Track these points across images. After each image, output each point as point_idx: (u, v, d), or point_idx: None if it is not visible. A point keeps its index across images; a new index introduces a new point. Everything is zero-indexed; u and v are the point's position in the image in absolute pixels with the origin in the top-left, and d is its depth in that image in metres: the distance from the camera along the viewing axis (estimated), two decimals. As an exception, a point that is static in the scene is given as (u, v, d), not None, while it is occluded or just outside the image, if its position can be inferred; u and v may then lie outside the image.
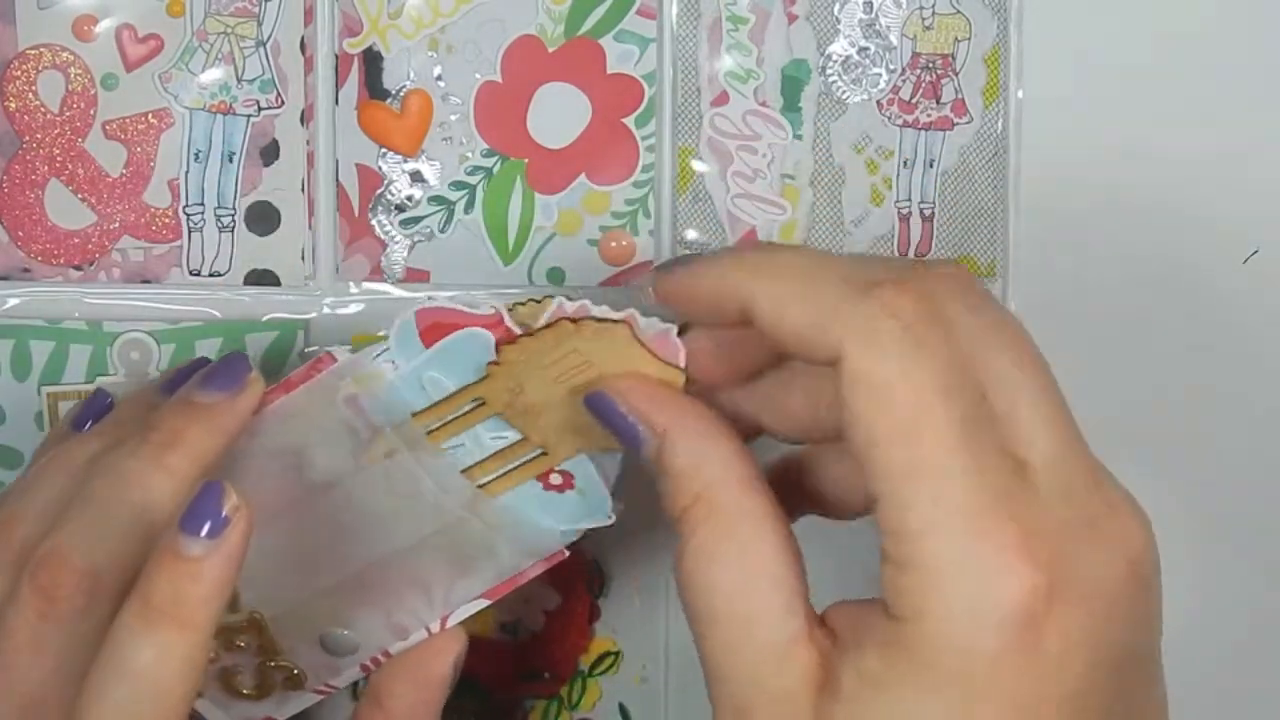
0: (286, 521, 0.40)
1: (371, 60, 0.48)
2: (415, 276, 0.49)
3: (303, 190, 0.48)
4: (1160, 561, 0.34)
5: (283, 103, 0.47)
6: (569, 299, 0.37)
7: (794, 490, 0.39)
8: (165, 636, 0.34)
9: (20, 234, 0.47)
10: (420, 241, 0.48)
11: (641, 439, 0.36)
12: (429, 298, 0.48)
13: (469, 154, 0.48)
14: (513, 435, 0.39)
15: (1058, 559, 0.32)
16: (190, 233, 0.47)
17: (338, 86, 0.48)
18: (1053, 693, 0.31)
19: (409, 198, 0.48)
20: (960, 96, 0.50)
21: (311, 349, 0.48)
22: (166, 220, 0.47)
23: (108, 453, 0.38)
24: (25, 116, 0.47)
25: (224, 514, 0.35)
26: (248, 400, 0.39)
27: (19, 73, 0.46)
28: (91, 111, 0.47)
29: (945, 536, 0.31)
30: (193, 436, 0.38)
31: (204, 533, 0.34)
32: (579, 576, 0.49)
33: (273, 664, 0.41)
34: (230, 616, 0.40)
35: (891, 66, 0.50)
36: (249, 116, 0.47)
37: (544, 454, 0.39)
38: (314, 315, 0.48)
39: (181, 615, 0.34)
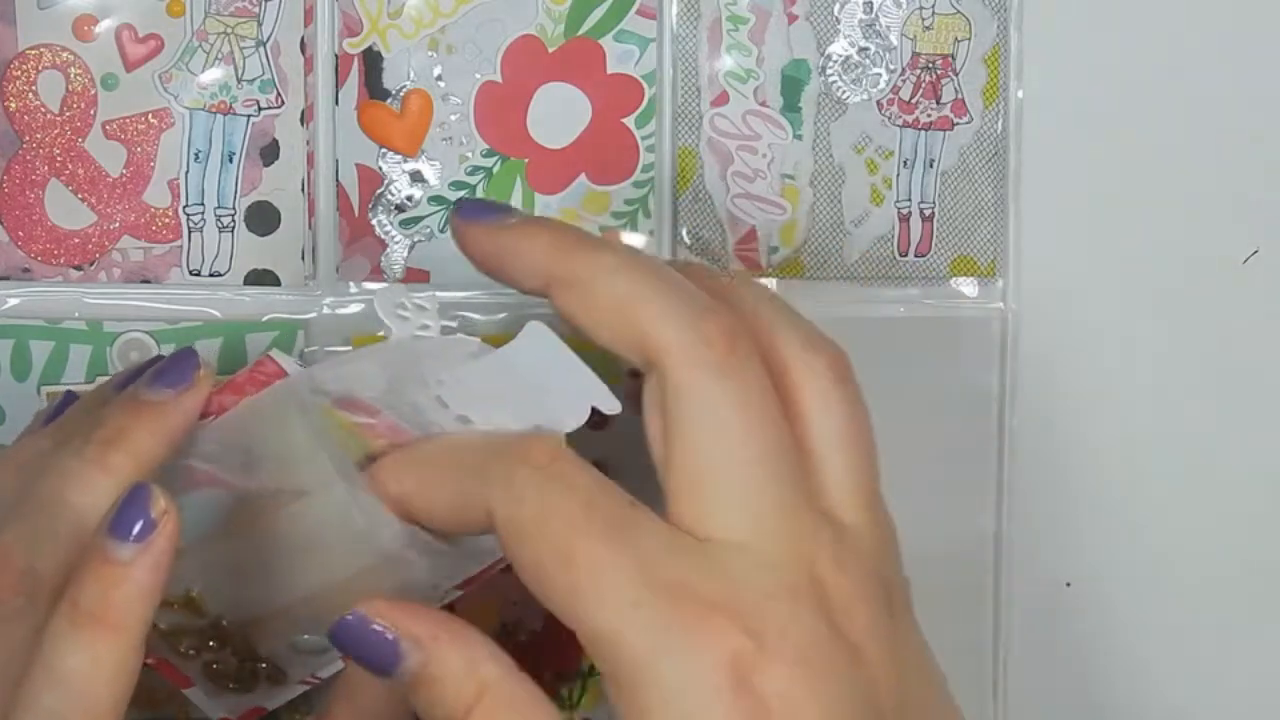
0: (239, 533, 0.39)
1: (371, 60, 0.48)
2: (415, 277, 0.49)
3: (303, 190, 0.48)
4: (900, 596, 0.35)
5: (283, 103, 0.47)
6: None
7: None
8: (94, 640, 0.33)
9: (20, 234, 0.47)
10: (420, 241, 0.48)
11: (403, 654, 0.35)
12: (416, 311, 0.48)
13: (469, 154, 0.48)
14: None
15: (754, 619, 0.32)
16: (190, 233, 0.47)
17: (338, 86, 0.48)
18: None
19: (409, 198, 0.48)
20: (960, 96, 0.50)
21: (311, 349, 0.48)
22: (166, 220, 0.47)
23: (55, 451, 0.38)
24: (25, 116, 0.47)
25: (151, 517, 0.34)
26: (193, 398, 0.38)
27: (19, 73, 0.46)
28: (91, 111, 0.47)
29: (633, 636, 0.32)
30: (136, 435, 0.37)
31: (132, 536, 0.34)
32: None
33: (250, 663, 0.40)
34: (195, 620, 0.40)
35: (891, 66, 0.50)
36: (249, 116, 0.47)
37: None
38: (314, 315, 0.48)
39: (110, 619, 0.33)
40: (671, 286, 0.36)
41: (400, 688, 0.36)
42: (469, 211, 0.39)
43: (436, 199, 0.48)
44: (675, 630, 0.32)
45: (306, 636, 0.40)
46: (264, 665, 0.41)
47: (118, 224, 0.47)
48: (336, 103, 0.48)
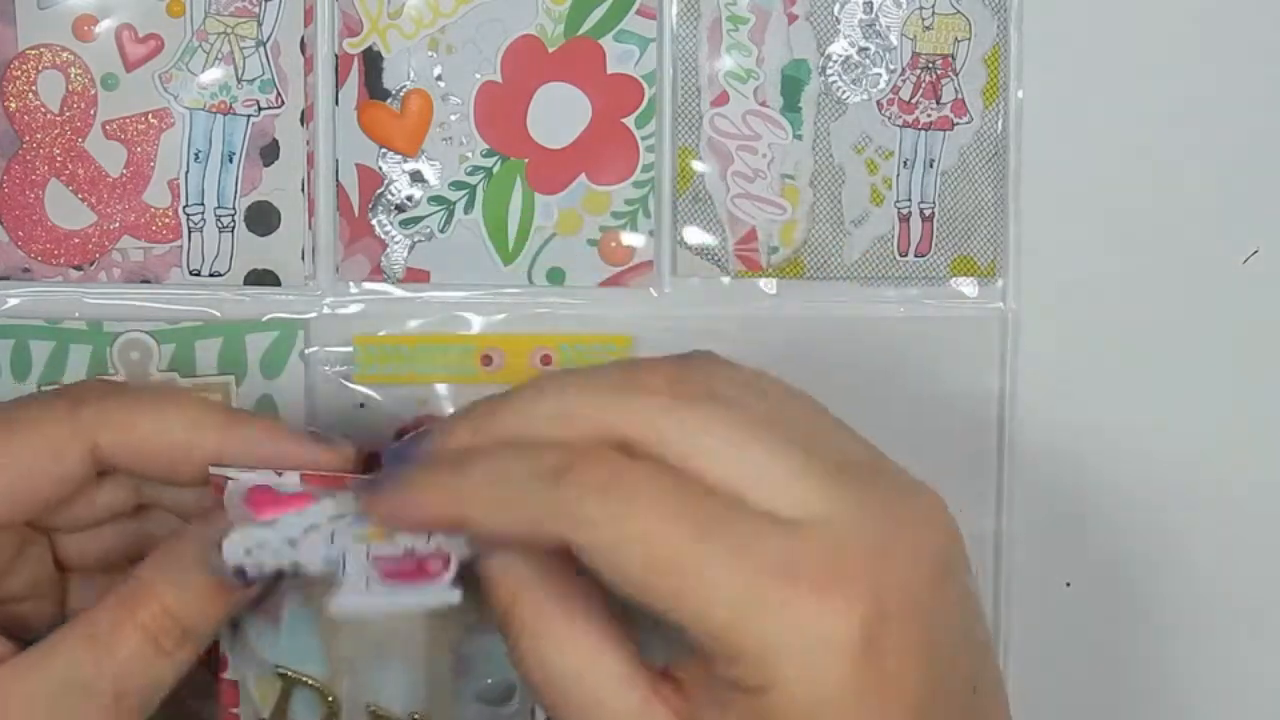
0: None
1: (371, 60, 0.48)
2: (415, 277, 0.49)
3: (303, 190, 0.48)
4: (960, 539, 0.35)
5: (283, 103, 0.47)
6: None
7: None
8: None
9: (20, 234, 0.47)
10: (420, 241, 0.48)
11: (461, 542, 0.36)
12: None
13: (469, 154, 0.48)
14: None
15: (870, 585, 0.33)
16: (190, 233, 0.47)
17: (338, 86, 0.48)
18: (903, 706, 0.33)
19: (409, 198, 0.48)
20: (960, 96, 0.50)
21: (311, 349, 0.48)
22: (166, 220, 0.47)
23: None
24: (25, 116, 0.47)
25: None
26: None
27: (19, 73, 0.46)
28: (91, 111, 0.47)
29: (755, 615, 0.32)
30: None
31: None
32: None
33: None
34: None
35: (891, 66, 0.50)
36: (249, 116, 0.47)
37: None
38: (314, 315, 0.48)
39: None
40: (589, 380, 0.36)
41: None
42: (372, 485, 0.38)
43: (436, 199, 0.48)
44: (795, 608, 0.32)
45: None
46: None
47: (118, 224, 0.47)
48: (336, 103, 0.48)
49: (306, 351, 0.48)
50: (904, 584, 0.33)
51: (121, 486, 0.40)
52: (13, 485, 0.37)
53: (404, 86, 0.48)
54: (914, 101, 0.50)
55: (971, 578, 0.36)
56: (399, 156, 0.48)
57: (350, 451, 0.39)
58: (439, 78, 0.48)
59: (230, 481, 0.37)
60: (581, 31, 0.48)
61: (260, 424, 0.39)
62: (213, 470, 0.37)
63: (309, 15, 0.48)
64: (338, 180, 0.48)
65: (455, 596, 0.38)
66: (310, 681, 0.40)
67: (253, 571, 0.37)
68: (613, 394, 0.35)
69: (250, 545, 0.37)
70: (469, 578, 0.38)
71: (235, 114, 0.47)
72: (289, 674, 0.40)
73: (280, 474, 0.37)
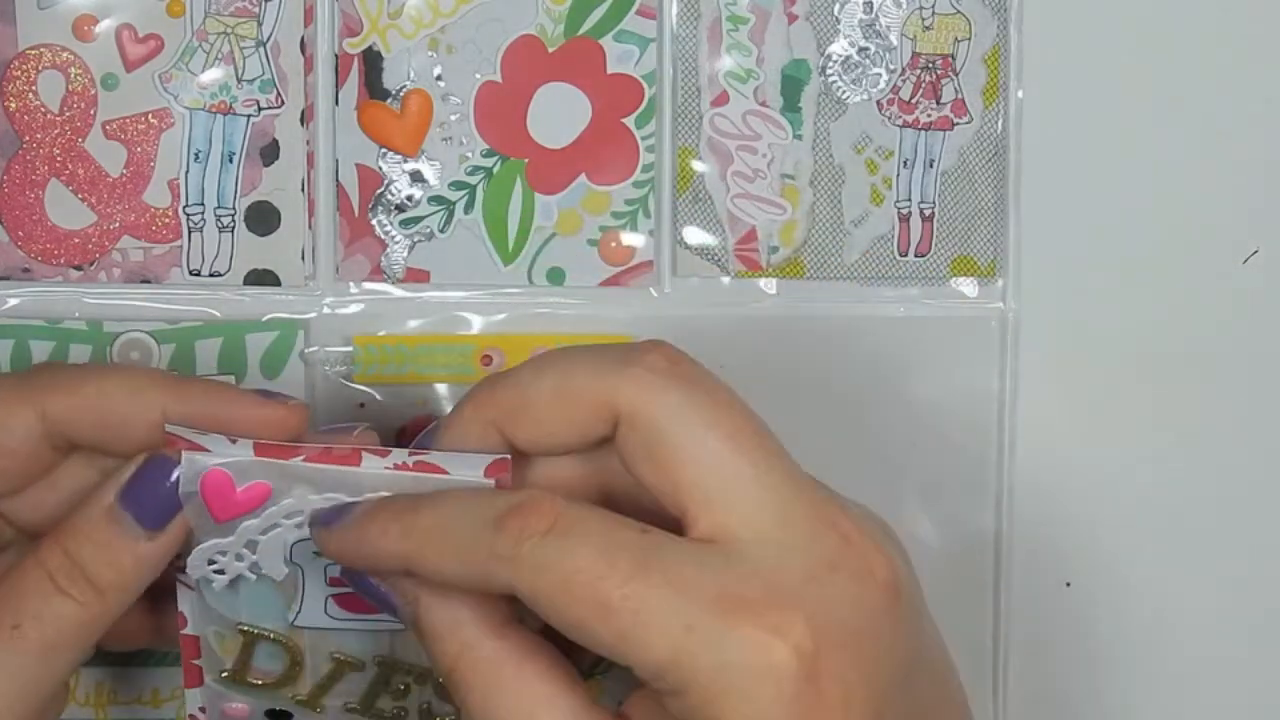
0: None
1: (371, 60, 0.48)
2: (415, 276, 0.49)
3: (303, 190, 0.48)
4: (910, 569, 0.35)
5: (283, 103, 0.47)
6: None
7: None
8: None
9: (20, 234, 0.47)
10: (420, 241, 0.48)
11: (396, 604, 0.37)
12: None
13: (469, 154, 0.48)
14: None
15: (808, 613, 0.33)
16: (190, 233, 0.47)
17: (338, 86, 0.48)
18: None
19: (409, 198, 0.48)
20: (960, 96, 0.50)
21: (312, 349, 0.48)
22: (166, 220, 0.47)
23: None
24: (25, 116, 0.47)
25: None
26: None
27: (19, 73, 0.46)
28: (91, 111, 0.47)
29: (694, 649, 0.33)
30: None
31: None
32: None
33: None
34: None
35: (891, 66, 0.50)
36: (249, 116, 0.47)
37: None
38: (314, 315, 0.48)
39: None
40: (591, 354, 0.37)
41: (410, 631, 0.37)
42: (317, 521, 0.38)
43: (436, 199, 0.48)
44: (733, 639, 0.33)
45: None
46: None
47: (118, 224, 0.47)
48: (336, 103, 0.48)
49: (306, 351, 0.48)
50: (846, 610, 0.33)
51: (86, 474, 0.40)
52: None
53: (404, 86, 0.48)
54: (914, 101, 0.50)
55: (922, 601, 0.36)
56: (399, 156, 0.48)
57: (304, 409, 0.39)
58: (439, 78, 0.48)
59: (186, 455, 0.37)
60: (581, 31, 0.48)
61: (206, 384, 0.39)
62: (168, 428, 0.37)
63: (309, 15, 0.48)
64: (338, 180, 0.48)
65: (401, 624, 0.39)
66: (272, 635, 0.40)
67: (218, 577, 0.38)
68: (613, 369, 0.36)
69: (211, 555, 0.38)
70: None
71: (235, 114, 0.47)
72: (250, 630, 0.40)
73: (234, 440, 0.37)
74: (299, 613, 0.40)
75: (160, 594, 0.40)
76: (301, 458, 0.37)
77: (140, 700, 0.48)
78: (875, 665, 0.33)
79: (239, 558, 0.38)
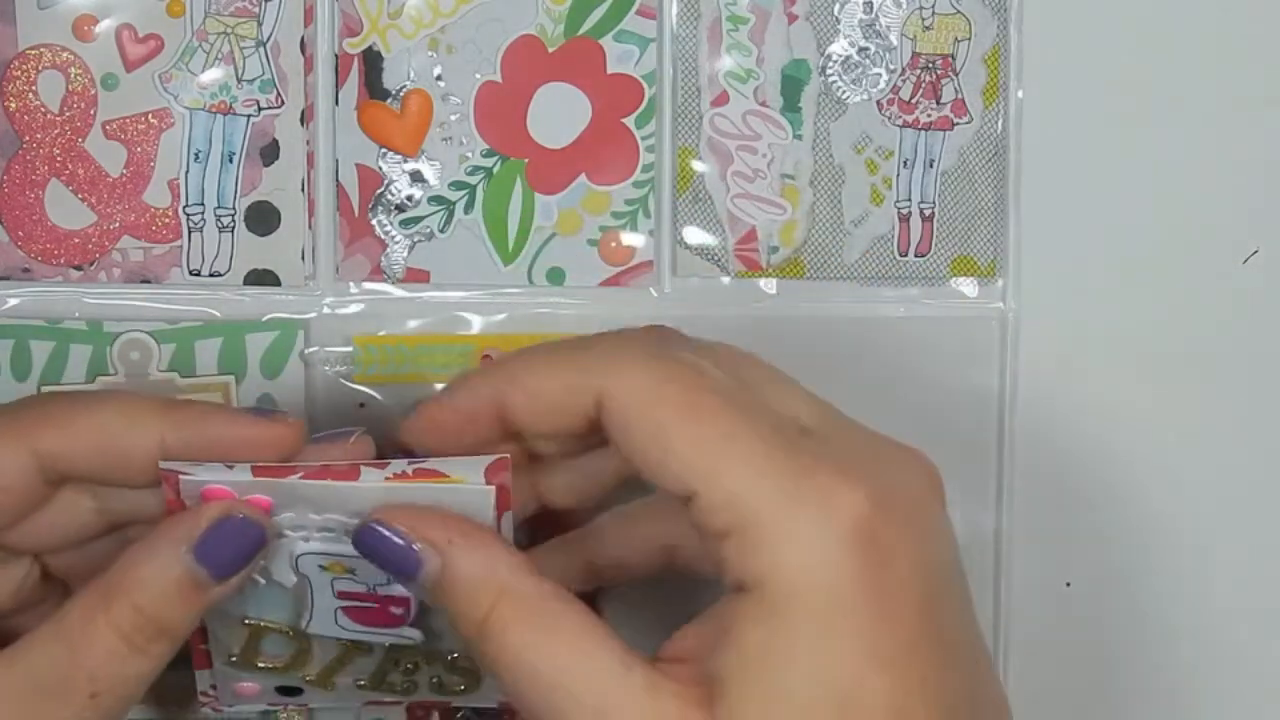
0: None
1: (371, 60, 0.48)
2: (415, 276, 0.49)
3: (303, 190, 0.48)
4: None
5: (283, 103, 0.47)
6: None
7: (581, 569, 0.42)
8: None
9: (20, 234, 0.47)
10: (420, 241, 0.48)
11: (422, 560, 0.35)
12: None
13: (469, 154, 0.48)
14: None
15: (871, 478, 0.34)
16: (190, 233, 0.47)
17: (338, 86, 0.48)
18: (910, 600, 0.33)
19: (409, 198, 0.48)
20: (960, 96, 0.50)
21: (311, 349, 0.48)
22: (166, 220, 0.47)
23: None
24: (25, 116, 0.47)
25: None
26: None
27: (19, 73, 0.46)
28: (91, 111, 0.47)
29: (766, 487, 0.33)
30: None
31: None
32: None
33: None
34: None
35: (891, 66, 0.50)
36: (249, 116, 0.47)
37: None
38: (314, 315, 0.48)
39: None
40: (559, 349, 0.37)
41: (426, 597, 0.36)
42: (407, 419, 0.39)
43: (436, 199, 0.48)
44: (805, 491, 0.33)
45: None
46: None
47: (118, 224, 0.47)
48: (336, 103, 0.48)
49: (306, 351, 0.48)
50: (902, 491, 0.34)
51: (83, 501, 0.39)
52: None
53: (404, 86, 0.48)
54: (914, 101, 0.50)
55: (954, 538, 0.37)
56: (399, 156, 0.48)
57: (300, 425, 0.38)
58: (439, 78, 0.48)
59: (183, 478, 0.37)
60: (581, 31, 0.48)
61: (199, 407, 0.38)
62: (161, 465, 0.37)
63: (309, 15, 0.48)
64: (338, 180, 0.48)
65: (417, 636, 0.39)
66: (279, 627, 0.40)
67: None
68: (594, 354, 0.36)
69: None
70: (430, 612, 0.39)
71: (235, 114, 0.47)
72: (257, 623, 0.40)
73: (231, 466, 0.37)
74: (309, 622, 0.40)
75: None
76: (299, 475, 0.37)
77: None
78: (929, 546, 0.34)
79: None
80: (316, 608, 0.39)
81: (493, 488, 0.36)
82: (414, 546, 0.35)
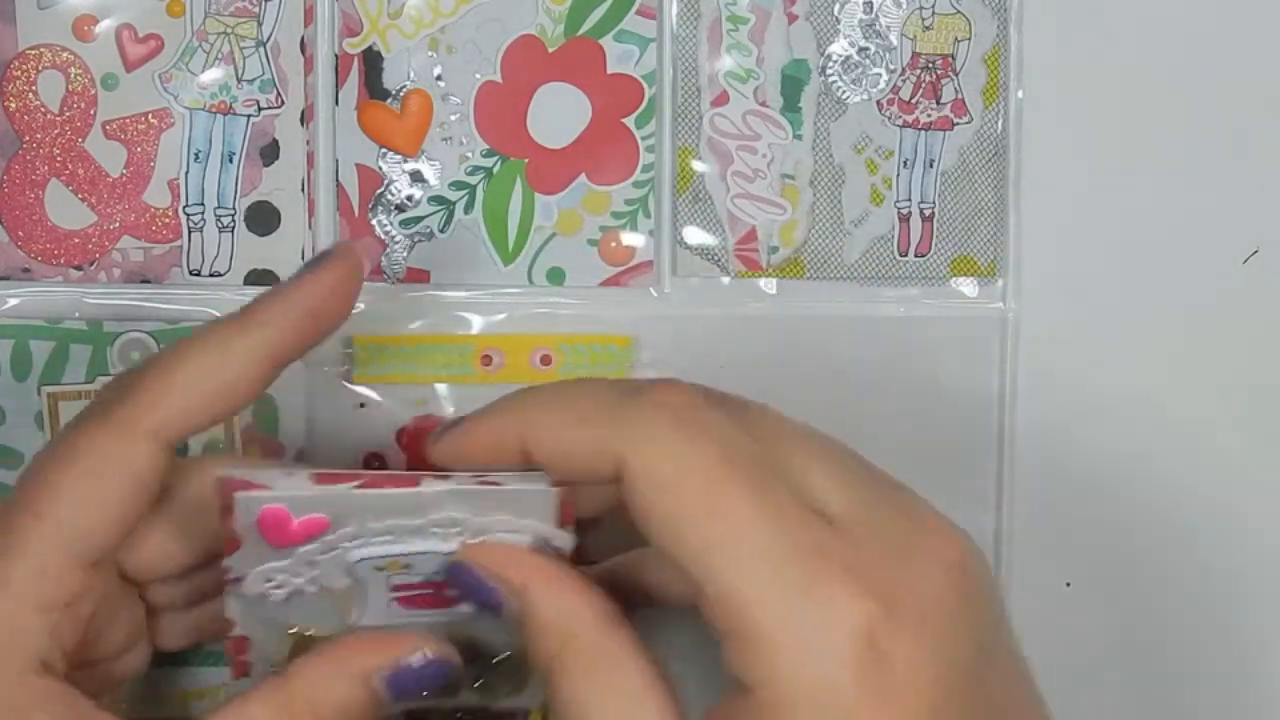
0: None
1: (371, 60, 0.48)
2: (415, 276, 0.49)
3: (303, 190, 0.48)
4: (987, 565, 0.36)
5: (283, 103, 0.47)
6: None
7: (630, 589, 0.41)
8: None
9: (20, 234, 0.47)
10: (420, 241, 0.48)
11: (503, 600, 0.36)
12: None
13: (469, 154, 0.48)
14: None
15: (882, 583, 0.33)
16: (190, 233, 0.47)
17: (338, 86, 0.48)
18: (919, 704, 0.32)
19: (409, 198, 0.48)
20: (960, 96, 0.50)
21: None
22: (166, 220, 0.47)
23: None
24: (25, 116, 0.47)
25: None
26: None
27: (19, 73, 0.46)
28: (91, 111, 0.47)
29: (769, 595, 0.32)
30: None
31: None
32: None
33: None
34: None
35: (891, 66, 0.50)
36: (249, 116, 0.47)
37: None
38: (314, 315, 0.48)
39: None
40: (600, 394, 0.36)
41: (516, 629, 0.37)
42: (434, 435, 0.39)
43: (436, 199, 0.48)
44: (812, 593, 0.32)
45: None
46: None
47: (118, 224, 0.47)
48: (336, 103, 0.48)
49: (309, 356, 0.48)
50: (918, 589, 0.33)
51: (174, 541, 0.39)
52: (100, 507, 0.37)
53: (404, 86, 0.48)
54: (914, 101, 0.50)
55: (995, 591, 0.36)
56: (399, 156, 0.48)
57: (349, 246, 0.39)
58: (439, 78, 0.48)
59: (239, 496, 0.36)
60: (581, 31, 0.48)
61: (262, 303, 0.38)
62: (222, 473, 0.37)
63: (309, 15, 0.48)
64: (338, 180, 0.48)
65: (471, 611, 0.39)
66: (324, 635, 0.40)
67: (276, 595, 0.38)
68: (612, 412, 0.35)
69: (269, 574, 0.38)
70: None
71: (235, 114, 0.47)
72: (303, 634, 0.40)
73: (290, 473, 0.37)
74: (360, 617, 0.40)
75: (214, 594, 0.40)
76: (359, 483, 0.37)
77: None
78: (943, 649, 0.33)
79: (297, 574, 0.38)
80: (370, 603, 0.39)
81: (558, 490, 0.37)
82: (497, 586, 0.36)
